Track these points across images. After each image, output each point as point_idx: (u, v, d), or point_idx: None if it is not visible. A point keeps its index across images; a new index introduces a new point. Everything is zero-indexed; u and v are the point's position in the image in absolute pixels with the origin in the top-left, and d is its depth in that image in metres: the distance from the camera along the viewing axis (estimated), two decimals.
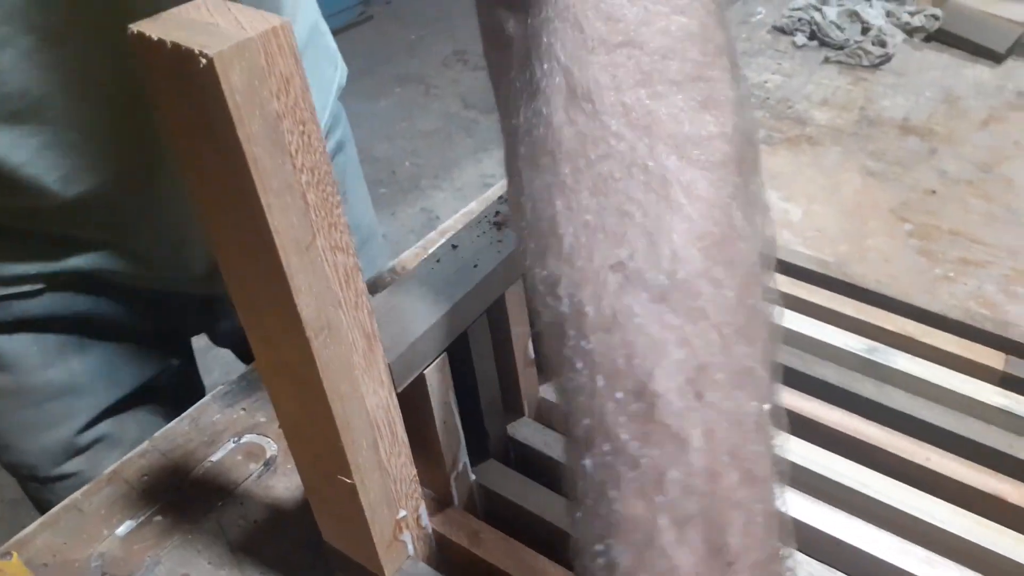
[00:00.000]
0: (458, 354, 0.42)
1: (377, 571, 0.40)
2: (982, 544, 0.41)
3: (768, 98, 0.89)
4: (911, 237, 0.69)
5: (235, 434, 0.53)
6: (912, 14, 1.01)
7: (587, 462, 0.26)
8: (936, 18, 1.00)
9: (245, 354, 0.76)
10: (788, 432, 0.46)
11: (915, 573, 0.40)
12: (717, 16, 0.29)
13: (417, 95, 2.70)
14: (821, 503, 0.43)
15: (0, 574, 0.41)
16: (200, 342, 0.73)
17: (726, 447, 0.25)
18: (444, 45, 2.95)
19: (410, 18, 3.15)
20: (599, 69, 0.27)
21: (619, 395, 0.25)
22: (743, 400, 0.26)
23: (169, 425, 0.54)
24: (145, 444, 0.53)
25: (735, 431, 0.25)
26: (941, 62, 0.95)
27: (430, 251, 0.44)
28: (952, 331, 0.54)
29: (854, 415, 0.48)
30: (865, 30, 0.99)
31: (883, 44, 0.96)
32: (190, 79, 0.27)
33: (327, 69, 0.69)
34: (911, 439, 0.46)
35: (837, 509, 0.42)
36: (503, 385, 0.47)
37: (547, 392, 0.50)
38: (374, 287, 0.65)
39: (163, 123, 0.30)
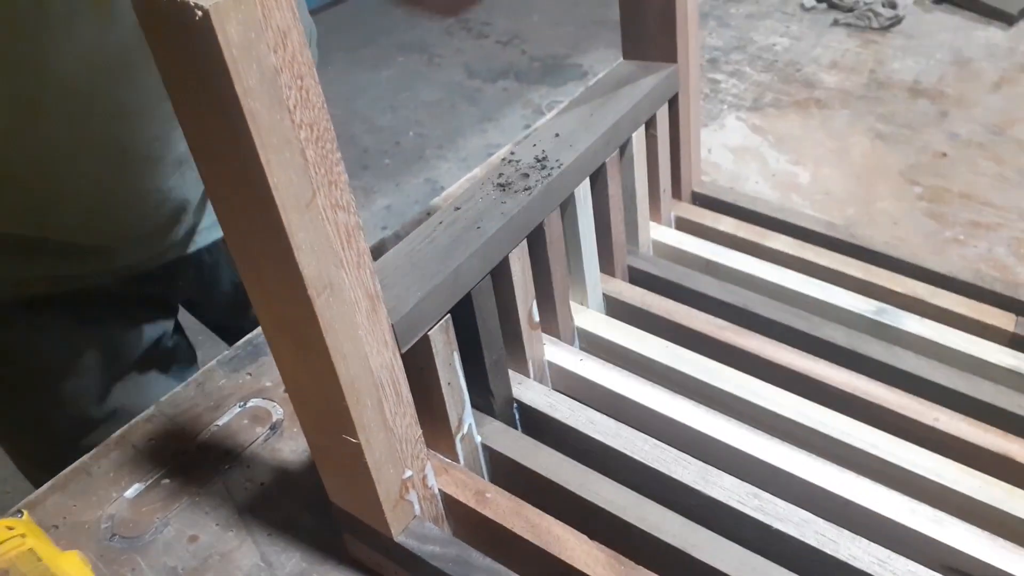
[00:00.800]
0: (462, 316, 0.42)
1: (384, 531, 0.40)
2: (990, 503, 0.41)
3: (776, 61, 0.88)
4: (920, 200, 0.68)
5: (241, 399, 0.53)
6: None
7: None
8: None
9: (229, 332, 0.76)
10: (794, 393, 0.46)
11: (924, 532, 0.39)
12: None
13: (420, 64, 2.68)
14: (830, 464, 0.43)
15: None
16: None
17: None
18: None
19: None
20: None
21: None
22: None
23: (175, 390, 0.54)
24: (152, 409, 0.53)
25: None
26: (952, 24, 0.94)
27: (437, 212, 0.44)
28: (962, 292, 0.53)
29: (862, 376, 0.47)
30: None
31: (894, 6, 0.94)
32: (186, 32, 0.26)
33: None
34: (920, 400, 0.46)
35: (846, 470, 0.42)
36: (508, 347, 0.47)
37: (552, 355, 0.50)
38: (378, 251, 0.64)
39: (163, 76, 0.29)
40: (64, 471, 0.49)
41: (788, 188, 0.70)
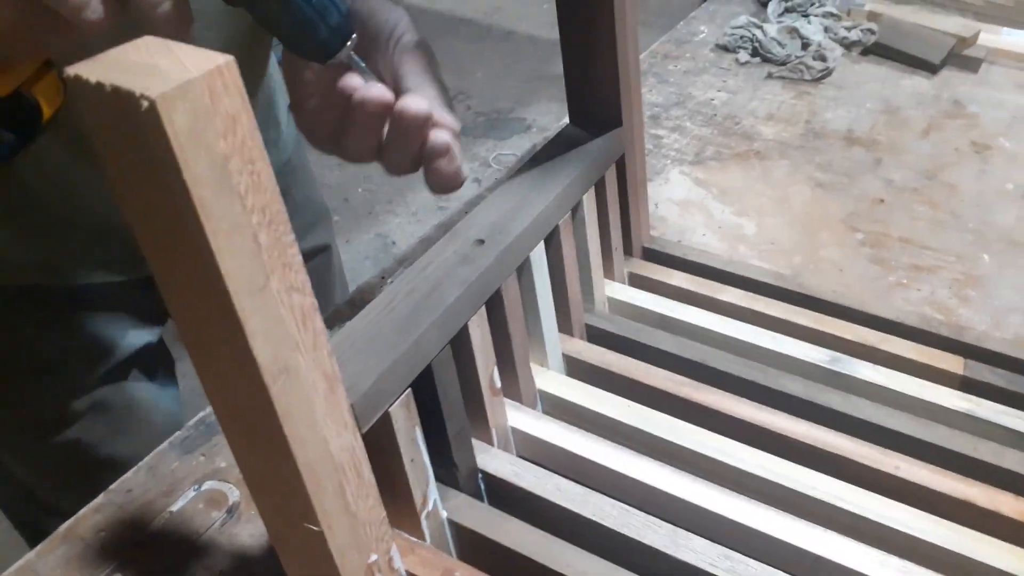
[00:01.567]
0: (423, 388, 0.41)
1: None
2: (958, 551, 0.41)
3: (715, 115, 0.90)
4: (863, 246, 0.70)
5: (195, 481, 0.51)
6: (849, 29, 1.04)
7: None
8: (872, 32, 1.03)
9: None
10: (756, 447, 0.47)
11: None
12: None
13: None
14: (795, 518, 0.43)
15: None
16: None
17: None
18: None
19: None
20: None
21: None
22: None
23: (125, 476, 0.52)
24: (101, 498, 0.51)
25: None
26: (880, 74, 0.98)
27: (388, 280, 0.43)
28: (910, 338, 0.54)
29: (821, 427, 0.48)
30: (805, 46, 1.01)
31: (823, 59, 0.98)
32: (132, 123, 0.26)
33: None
34: (879, 448, 0.46)
35: (812, 524, 0.42)
36: (470, 415, 0.46)
37: (515, 420, 0.49)
38: (331, 321, 0.63)
39: (105, 168, 0.28)
40: (8, 571, 0.47)
41: (735, 239, 0.72)
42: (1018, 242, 0.70)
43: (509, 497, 0.45)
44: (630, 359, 0.53)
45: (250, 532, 0.48)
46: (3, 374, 0.64)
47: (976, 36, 1.01)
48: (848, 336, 0.55)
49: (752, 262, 0.67)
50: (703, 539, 0.42)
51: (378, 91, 0.41)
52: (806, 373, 0.52)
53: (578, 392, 0.51)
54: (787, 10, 1.09)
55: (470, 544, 0.44)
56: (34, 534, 0.66)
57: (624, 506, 0.43)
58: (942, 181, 0.79)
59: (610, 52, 0.53)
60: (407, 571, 0.41)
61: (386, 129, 0.42)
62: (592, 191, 0.54)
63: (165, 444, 0.53)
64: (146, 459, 0.52)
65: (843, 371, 0.52)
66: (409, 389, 0.39)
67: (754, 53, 1.02)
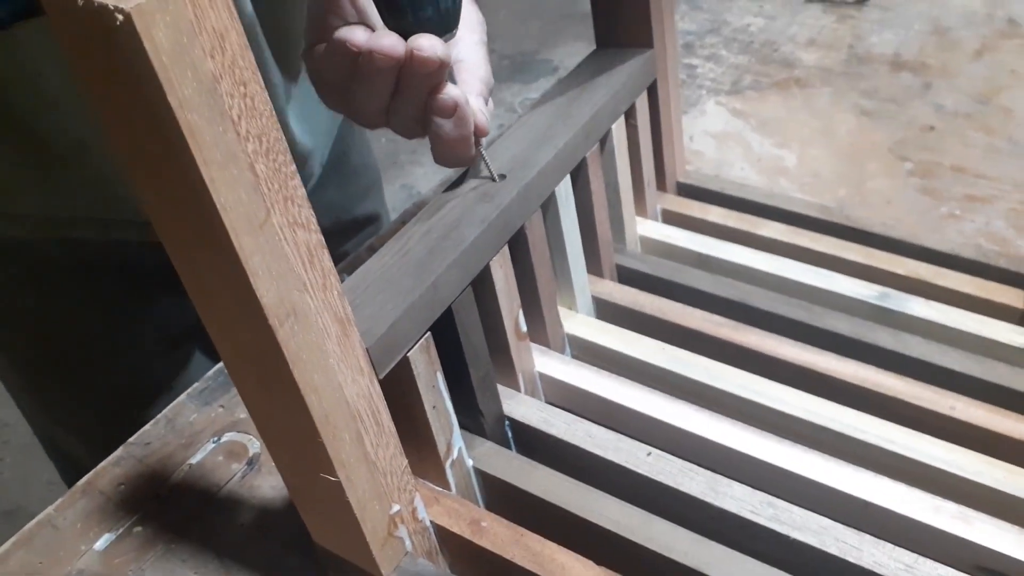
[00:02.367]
0: (443, 332, 0.39)
1: (373, 571, 0.37)
2: (1018, 495, 0.38)
3: (752, 42, 0.86)
4: (912, 176, 0.66)
5: (214, 433, 0.50)
6: None
7: None
8: None
9: None
10: (800, 389, 0.44)
11: (950, 531, 0.37)
12: None
13: None
14: (843, 463, 0.40)
15: None
16: None
17: None
18: None
19: None
20: None
21: None
22: None
23: (144, 428, 0.51)
24: (120, 451, 0.50)
25: None
26: None
27: (410, 221, 0.41)
28: (965, 271, 0.51)
29: (870, 367, 0.45)
30: None
31: None
32: (108, 40, 0.23)
33: None
34: (933, 388, 0.43)
35: (862, 469, 0.40)
36: (495, 361, 0.44)
37: (543, 365, 0.47)
38: (352, 267, 0.61)
39: (86, 98, 0.26)
40: (28, 525, 0.46)
41: (775, 172, 0.68)
42: None
43: (538, 445, 0.43)
44: (664, 300, 0.50)
45: (271, 484, 0.46)
46: (71, 356, 0.63)
47: None
48: (899, 271, 0.51)
49: (794, 195, 0.63)
50: (744, 486, 0.39)
51: (389, 42, 0.37)
52: (853, 310, 0.49)
53: (609, 335, 0.48)
54: None
55: (498, 493, 0.42)
56: None
57: (659, 452, 0.41)
58: (997, 105, 0.74)
59: None
60: (432, 521, 0.39)
61: None
62: (622, 120, 0.51)
63: (183, 396, 0.52)
64: (164, 411, 0.51)
65: (893, 308, 0.49)
66: (428, 333, 0.37)
67: None
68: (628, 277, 0.53)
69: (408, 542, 0.38)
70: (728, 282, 0.51)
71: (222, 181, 0.26)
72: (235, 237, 0.27)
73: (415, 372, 0.37)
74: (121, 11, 0.23)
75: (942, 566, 0.36)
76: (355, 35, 0.37)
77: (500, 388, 0.44)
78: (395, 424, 0.36)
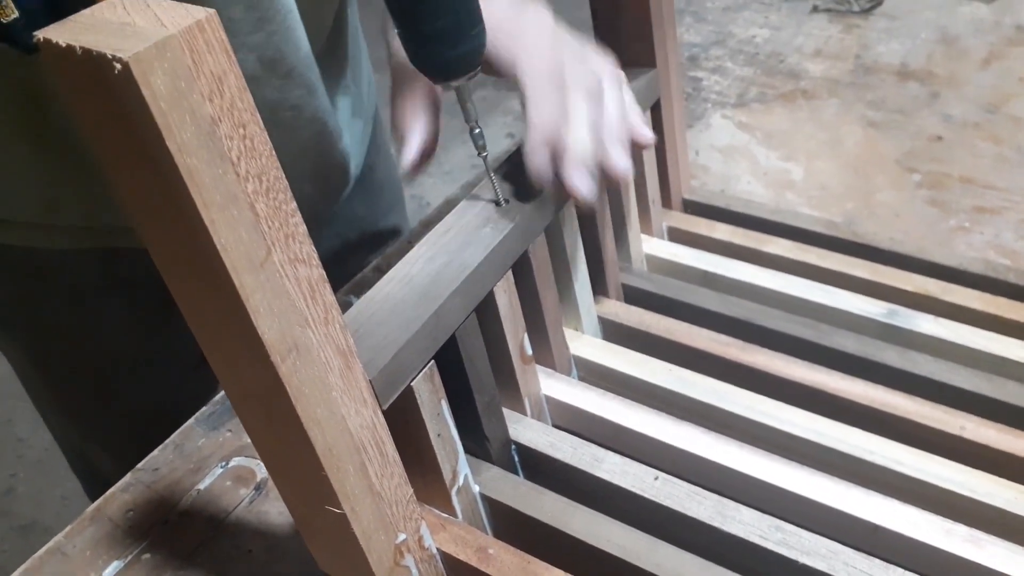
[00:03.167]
0: (448, 360, 0.39)
1: None
2: None
3: (758, 53, 0.85)
4: (920, 188, 0.66)
5: (222, 458, 0.50)
6: None
7: None
8: None
9: None
10: (808, 410, 0.44)
11: (961, 555, 0.37)
12: None
13: None
14: (852, 485, 0.40)
15: None
16: None
17: None
18: None
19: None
20: None
21: None
22: None
23: (152, 454, 0.51)
24: (128, 476, 0.50)
25: None
26: (935, 1, 0.91)
27: (412, 245, 0.41)
28: (974, 286, 0.51)
29: (878, 386, 0.45)
30: None
31: None
32: (106, 88, 0.23)
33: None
34: (942, 407, 0.43)
35: (870, 491, 0.39)
36: (500, 385, 0.44)
37: (549, 388, 0.47)
38: (359, 286, 0.61)
39: (87, 137, 0.26)
40: (38, 553, 0.46)
41: (782, 186, 0.68)
42: None
43: (545, 469, 0.43)
44: (671, 319, 0.50)
45: (279, 509, 0.46)
46: (107, 373, 0.63)
47: None
48: (906, 287, 0.51)
49: (801, 210, 0.63)
50: (752, 510, 0.39)
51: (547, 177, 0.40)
52: (861, 328, 0.49)
53: (615, 356, 0.48)
54: None
55: (504, 519, 0.42)
56: None
57: (667, 476, 0.41)
58: (1006, 114, 0.73)
59: None
60: (439, 549, 0.39)
61: None
62: None
63: (191, 420, 0.52)
64: (172, 436, 0.51)
65: (901, 325, 0.49)
66: (432, 361, 0.37)
67: None
68: (634, 296, 0.53)
69: (415, 571, 0.38)
70: (735, 301, 0.51)
71: (222, 222, 0.26)
72: (236, 276, 0.27)
73: (419, 401, 0.37)
74: (119, 60, 0.23)
75: None
76: (542, 171, 0.40)
77: (506, 412, 0.44)
78: (400, 452, 0.36)
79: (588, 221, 0.49)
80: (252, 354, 0.29)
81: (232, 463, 0.49)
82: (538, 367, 0.47)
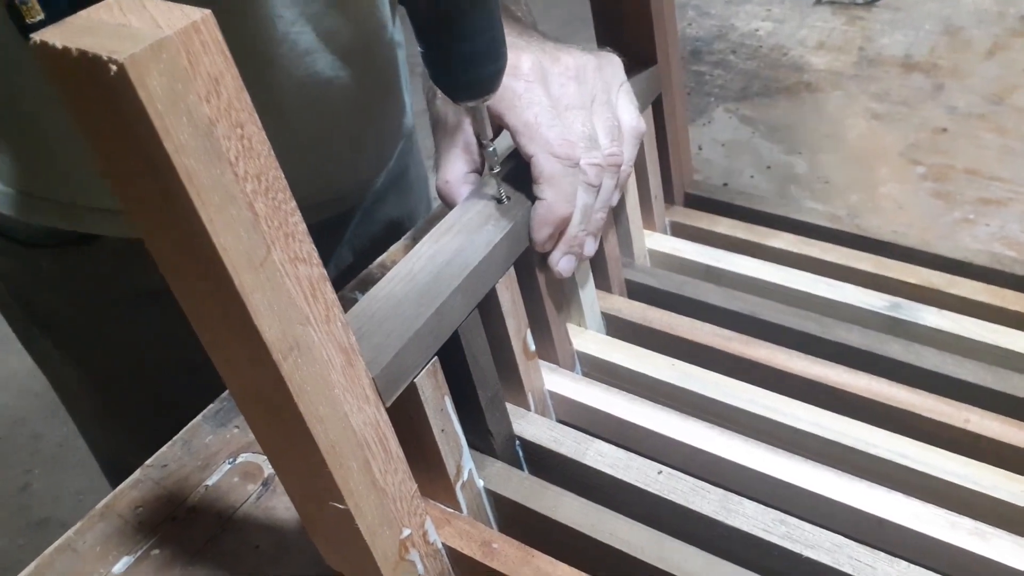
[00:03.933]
0: (451, 356, 0.39)
1: None
2: None
3: (761, 47, 0.85)
4: (925, 180, 0.65)
5: (230, 455, 0.50)
6: None
7: None
8: None
9: None
10: (812, 403, 0.44)
11: (966, 548, 0.36)
12: None
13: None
14: (856, 479, 0.40)
15: None
16: None
17: None
18: None
19: None
20: None
21: None
22: None
23: (160, 450, 0.51)
24: (137, 473, 0.50)
25: None
26: None
27: (417, 244, 0.41)
28: (979, 278, 0.50)
29: (882, 379, 0.44)
30: None
31: None
32: (103, 90, 0.24)
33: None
34: (946, 400, 0.43)
35: (874, 484, 0.39)
36: (504, 381, 0.44)
37: (552, 383, 0.47)
38: (363, 283, 0.62)
39: (85, 139, 0.26)
40: (48, 550, 0.47)
41: (785, 180, 0.67)
42: None
43: (549, 464, 0.43)
44: (674, 315, 0.50)
45: (286, 505, 0.47)
46: (152, 380, 0.64)
47: None
48: (911, 280, 0.51)
49: (805, 203, 0.63)
50: (756, 503, 0.39)
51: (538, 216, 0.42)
52: (865, 322, 0.49)
53: (619, 352, 0.48)
54: None
55: (509, 514, 0.42)
56: None
57: (670, 471, 0.41)
58: (1011, 105, 0.73)
59: None
60: (444, 543, 0.39)
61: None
62: None
63: (199, 417, 0.53)
64: (180, 433, 0.52)
65: (905, 318, 0.48)
66: (435, 358, 0.37)
67: None
68: (637, 292, 0.53)
69: (420, 565, 0.38)
70: (738, 295, 0.51)
71: (221, 222, 0.26)
72: (236, 275, 0.27)
73: (422, 397, 0.37)
74: (115, 62, 0.23)
75: None
76: (548, 246, 0.43)
77: (510, 407, 0.44)
78: (404, 448, 0.36)
79: None
80: (253, 353, 0.29)
81: (239, 459, 0.50)
82: (541, 362, 0.47)
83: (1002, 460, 0.40)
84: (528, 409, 0.45)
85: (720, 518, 0.39)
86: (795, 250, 0.54)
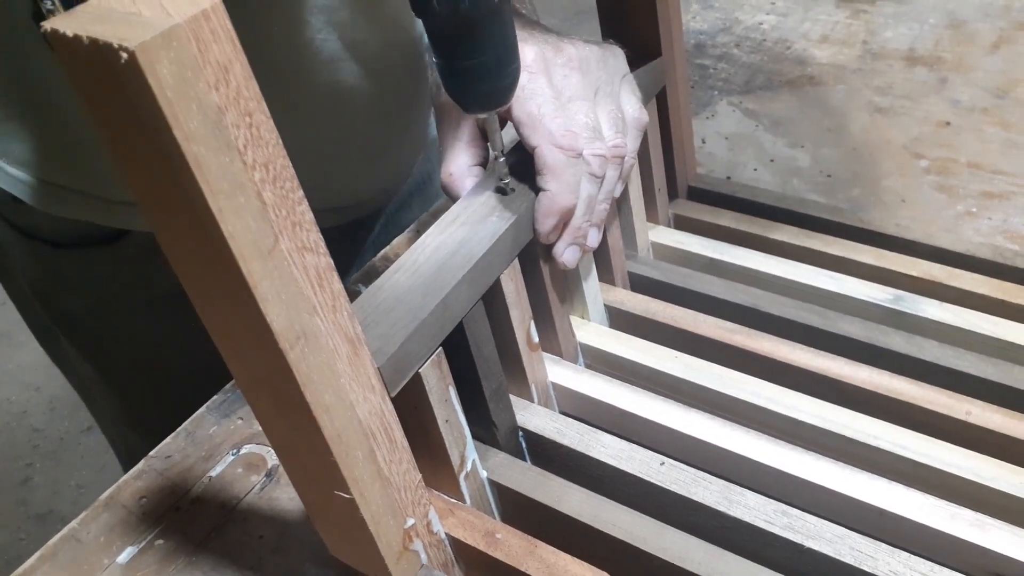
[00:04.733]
0: (455, 347, 0.39)
1: None
2: None
3: (765, 40, 0.85)
4: (928, 174, 0.66)
5: (233, 445, 0.50)
6: None
7: None
8: None
9: None
10: (813, 396, 0.44)
11: (966, 538, 0.37)
12: None
13: None
14: (857, 470, 0.40)
15: None
16: None
17: None
18: None
19: None
20: None
21: None
22: None
23: (165, 441, 0.51)
24: (141, 464, 0.50)
25: None
26: None
27: (421, 236, 0.41)
28: (981, 271, 0.51)
29: (884, 372, 0.45)
30: None
31: None
32: (114, 77, 0.24)
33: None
34: (947, 392, 0.43)
35: (876, 476, 0.40)
36: (507, 372, 0.44)
37: (555, 375, 0.47)
38: (367, 276, 0.62)
39: (96, 125, 0.26)
40: (52, 540, 0.47)
41: (788, 173, 0.68)
42: None
43: (552, 455, 0.44)
44: (676, 307, 0.50)
45: (290, 495, 0.47)
46: (177, 382, 0.63)
47: None
48: (913, 272, 0.51)
49: (808, 197, 0.63)
50: (758, 494, 0.39)
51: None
52: (867, 314, 0.49)
53: (621, 344, 0.48)
54: None
55: (512, 504, 0.42)
56: None
57: (673, 462, 0.41)
58: (1015, 99, 0.73)
59: None
60: (447, 534, 0.40)
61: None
62: None
63: (203, 408, 0.53)
64: (185, 424, 0.52)
65: (907, 310, 0.49)
66: (440, 348, 0.38)
67: None
68: (640, 284, 0.53)
69: (423, 555, 0.38)
70: (740, 287, 0.51)
71: (230, 210, 0.26)
72: (244, 264, 0.27)
73: (427, 387, 0.37)
74: (126, 49, 0.23)
75: (958, 574, 0.35)
76: (552, 237, 0.43)
77: (513, 399, 0.45)
78: (409, 438, 0.36)
79: None
80: (261, 341, 0.29)
81: (243, 450, 0.50)
82: (545, 354, 0.47)
83: (1003, 452, 0.40)
84: (531, 400, 0.46)
85: (722, 509, 0.39)
86: (798, 243, 0.54)
